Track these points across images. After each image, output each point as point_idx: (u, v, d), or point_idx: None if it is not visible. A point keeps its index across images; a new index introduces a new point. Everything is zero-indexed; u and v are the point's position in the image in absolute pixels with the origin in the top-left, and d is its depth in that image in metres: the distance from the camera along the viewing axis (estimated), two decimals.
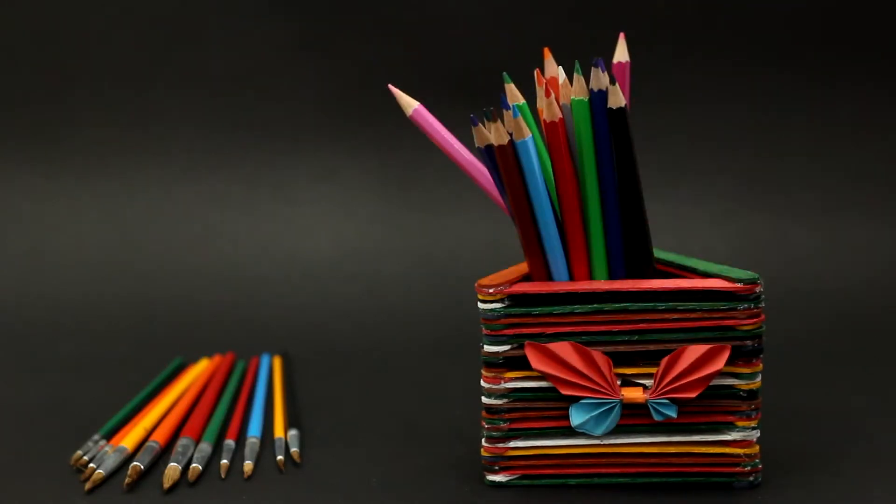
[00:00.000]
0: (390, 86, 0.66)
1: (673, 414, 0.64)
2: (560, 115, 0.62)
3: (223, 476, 0.70)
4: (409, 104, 0.66)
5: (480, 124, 0.62)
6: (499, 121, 0.61)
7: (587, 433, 0.65)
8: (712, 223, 1.16)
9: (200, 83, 1.23)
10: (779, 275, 1.08)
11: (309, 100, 1.22)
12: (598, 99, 0.62)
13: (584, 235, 0.64)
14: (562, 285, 0.64)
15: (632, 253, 0.65)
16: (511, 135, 0.62)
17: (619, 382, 0.64)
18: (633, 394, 0.64)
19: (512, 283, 0.65)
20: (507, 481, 0.67)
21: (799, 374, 0.89)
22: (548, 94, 0.62)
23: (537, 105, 0.64)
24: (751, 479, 0.66)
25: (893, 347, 0.99)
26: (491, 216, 1.12)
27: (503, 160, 0.62)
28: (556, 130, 0.62)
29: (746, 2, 1.19)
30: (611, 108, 0.61)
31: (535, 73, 0.65)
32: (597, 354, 0.63)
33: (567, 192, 0.64)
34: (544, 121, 0.62)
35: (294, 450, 0.73)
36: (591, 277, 0.65)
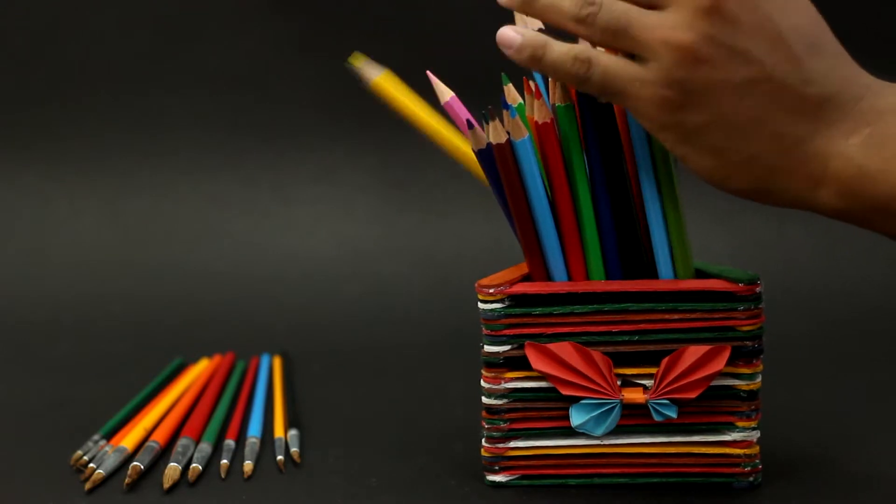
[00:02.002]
0: (429, 72, 0.66)
1: (673, 414, 0.64)
2: (552, 116, 0.62)
3: (223, 476, 0.70)
4: (445, 92, 0.66)
5: (478, 127, 0.62)
6: (496, 119, 0.61)
7: (587, 433, 0.65)
8: (712, 223, 1.16)
9: (200, 83, 1.23)
10: (779, 275, 1.08)
11: (309, 100, 1.22)
12: (582, 99, 0.61)
13: (579, 235, 0.64)
14: (562, 286, 0.64)
15: (630, 253, 0.65)
16: (509, 134, 0.62)
17: (619, 383, 0.64)
18: (634, 394, 0.64)
19: (512, 283, 0.65)
20: (507, 481, 0.67)
21: (799, 375, 0.89)
22: (538, 96, 0.62)
23: (526, 113, 0.64)
24: (751, 479, 0.66)
25: (893, 348, 0.99)
26: (491, 216, 1.12)
27: (501, 159, 0.62)
28: (549, 131, 0.62)
29: None
30: (599, 104, 0.61)
31: (524, 80, 0.65)
32: (597, 355, 0.63)
33: (562, 192, 0.64)
34: (536, 122, 0.62)
35: (294, 450, 0.73)
36: (588, 277, 0.65)
